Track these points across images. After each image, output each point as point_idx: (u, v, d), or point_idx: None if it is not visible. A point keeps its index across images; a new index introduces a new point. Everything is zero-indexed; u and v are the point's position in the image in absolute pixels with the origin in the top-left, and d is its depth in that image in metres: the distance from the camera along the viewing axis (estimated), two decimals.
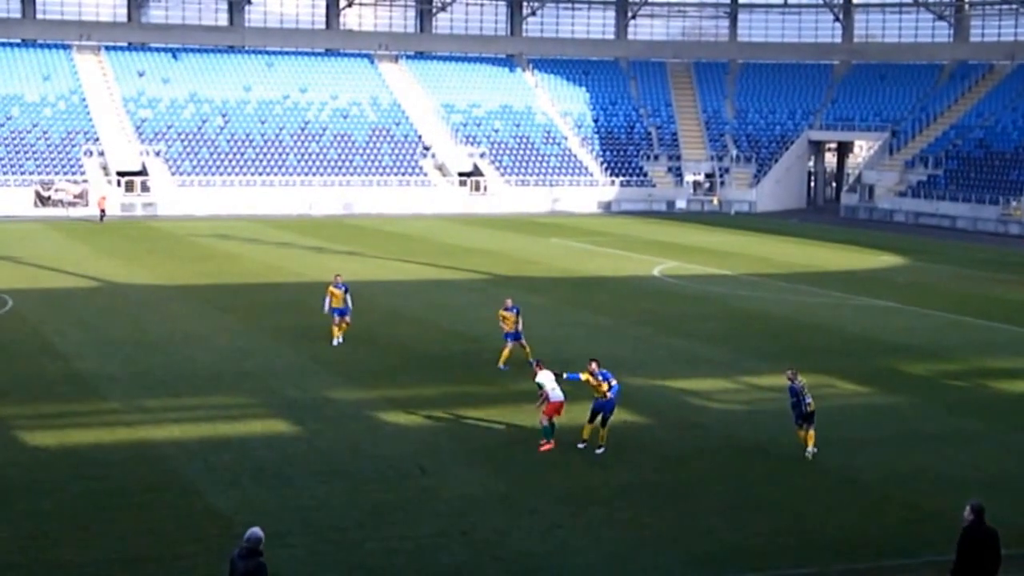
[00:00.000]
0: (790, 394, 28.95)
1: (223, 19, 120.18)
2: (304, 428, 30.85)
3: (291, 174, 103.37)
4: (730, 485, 26.84)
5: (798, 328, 47.74)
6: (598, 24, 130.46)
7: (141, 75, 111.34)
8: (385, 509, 24.58)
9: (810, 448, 28.78)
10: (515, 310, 38.86)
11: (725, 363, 40.05)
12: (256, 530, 17.00)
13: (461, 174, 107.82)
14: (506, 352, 38.40)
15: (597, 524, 23.96)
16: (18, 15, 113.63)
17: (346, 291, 42.22)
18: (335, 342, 41.71)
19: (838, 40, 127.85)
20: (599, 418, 28.81)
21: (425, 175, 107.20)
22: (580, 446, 28.85)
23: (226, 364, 38.53)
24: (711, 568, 21.95)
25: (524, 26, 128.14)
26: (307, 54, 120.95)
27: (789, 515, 24.90)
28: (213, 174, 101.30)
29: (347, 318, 42.15)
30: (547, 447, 28.84)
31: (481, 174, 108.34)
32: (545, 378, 29.31)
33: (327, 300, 42.29)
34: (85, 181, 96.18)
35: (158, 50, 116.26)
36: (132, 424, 30.86)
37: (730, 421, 32.48)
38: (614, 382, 28.98)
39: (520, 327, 38.70)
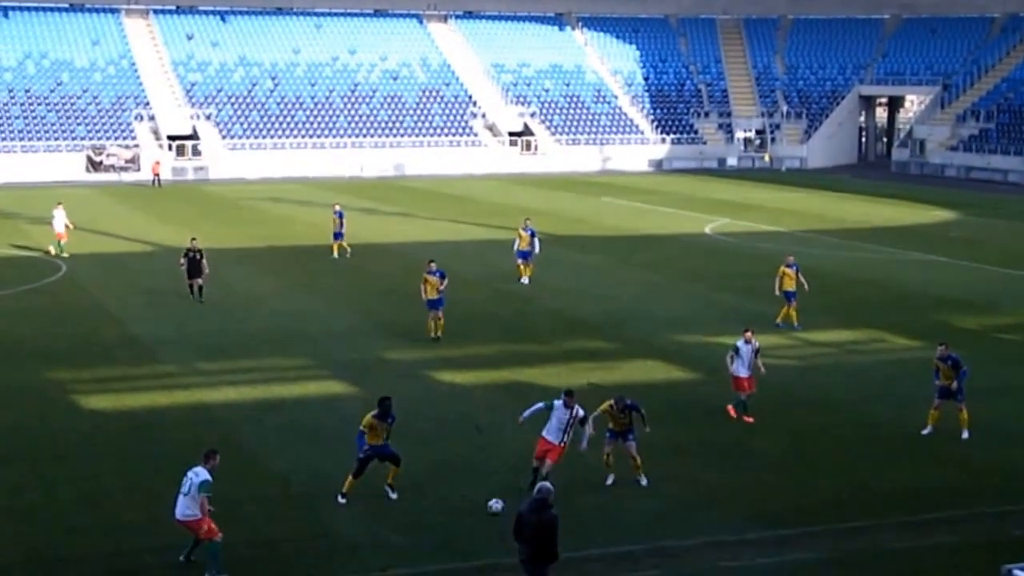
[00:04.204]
0: (955, 365, 27.12)
1: None
2: (360, 389, 30.97)
3: (341, 136, 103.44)
4: (784, 441, 26.89)
5: (850, 283, 47.55)
6: None
7: (190, 38, 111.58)
8: (442, 468, 24.74)
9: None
10: (796, 267, 39.06)
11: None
12: (547, 483, 17.49)
13: (511, 134, 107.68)
14: (786, 310, 38.79)
15: (655, 481, 24.01)
16: None
17: (533, 235, 46.40)
18: (524, 280, 46.11)
19: None
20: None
21: (476, 135, 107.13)
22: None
23: (280, 326, 38.74)
24: (767, 523, 21.99)
25: None
26: (356, 15, 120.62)
27: (843, 470, 24.91)
28: (264, 137, 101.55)
29: (530, 261, 46.28)
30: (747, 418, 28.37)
31: (532, 134, 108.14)
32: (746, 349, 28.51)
33: (516, 242, 47.09)
34: (136, 146, 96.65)
35: (206, 13, 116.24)
36: (188, 387, 31.17)
37: (784, 377, 32.38)
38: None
39: (796, 287, 38.74)
